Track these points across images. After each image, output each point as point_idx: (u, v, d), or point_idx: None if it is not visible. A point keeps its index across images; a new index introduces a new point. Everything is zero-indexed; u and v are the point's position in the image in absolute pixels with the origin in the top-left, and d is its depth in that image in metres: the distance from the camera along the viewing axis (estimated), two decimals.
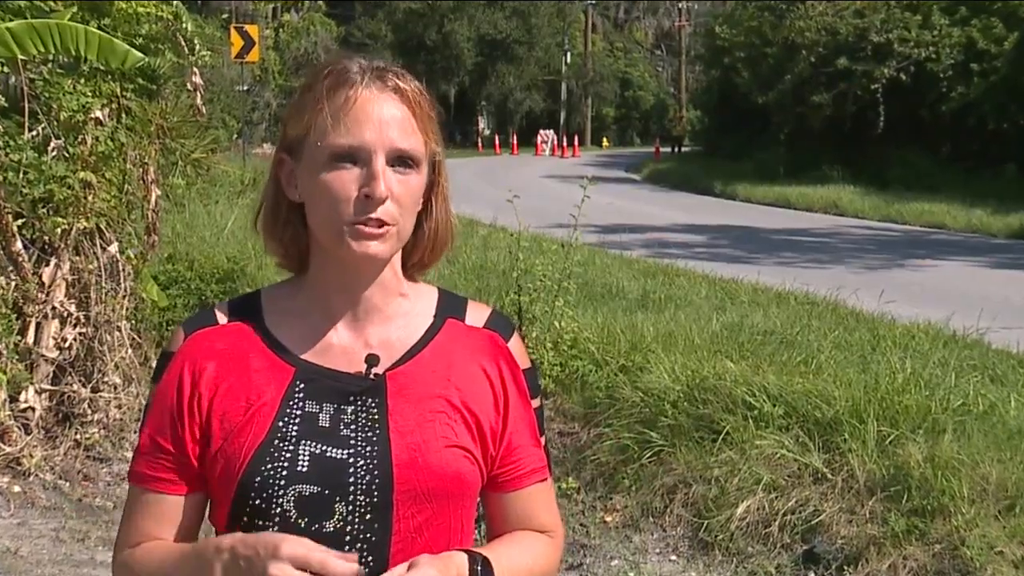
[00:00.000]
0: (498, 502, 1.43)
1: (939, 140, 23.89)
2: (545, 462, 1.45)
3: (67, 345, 5.39)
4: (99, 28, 5.38)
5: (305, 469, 1.29)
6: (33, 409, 5.22)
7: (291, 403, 1.33)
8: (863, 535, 4.19)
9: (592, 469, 5.13)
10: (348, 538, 1.29)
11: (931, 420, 4.61)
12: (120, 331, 5.60)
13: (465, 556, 1.30)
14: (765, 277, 9.17)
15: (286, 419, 1.32)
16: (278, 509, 1.28)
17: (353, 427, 1.32)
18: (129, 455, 5.48)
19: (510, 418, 1.40)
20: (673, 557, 4.51)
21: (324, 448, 1.30)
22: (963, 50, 22.95)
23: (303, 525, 1.28)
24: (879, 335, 6.49)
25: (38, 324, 5.33)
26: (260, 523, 1.29)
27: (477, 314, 1.45)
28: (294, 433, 1.31)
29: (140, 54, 5.40)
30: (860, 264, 12.51)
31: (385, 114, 1.30)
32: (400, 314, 1.40)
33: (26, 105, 5.31)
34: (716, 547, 4.43)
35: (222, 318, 1.40)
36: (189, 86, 6.33)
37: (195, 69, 6.23)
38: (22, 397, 5.20)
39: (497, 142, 43.47)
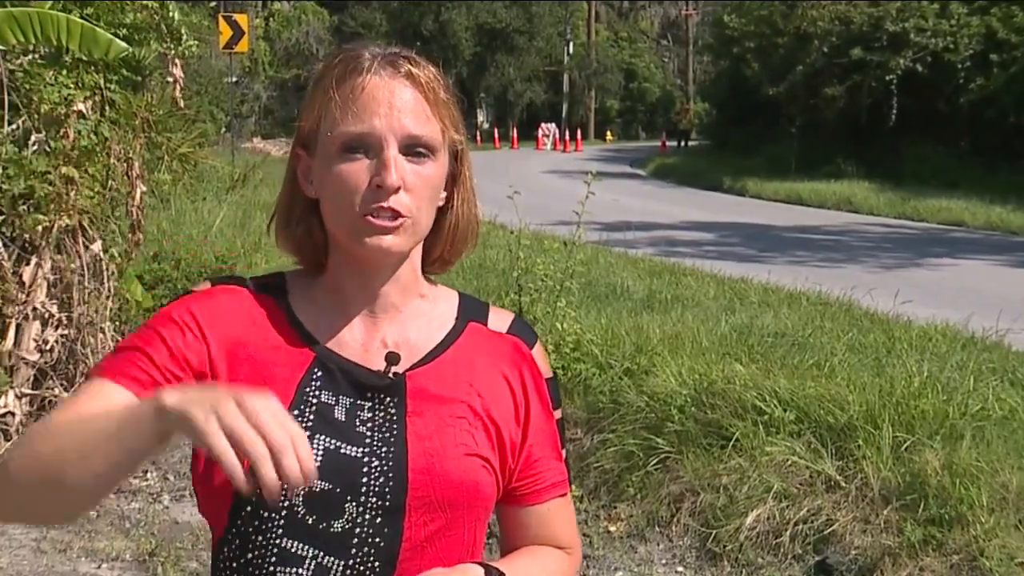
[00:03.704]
0: (515, 516, 1.42)
1: (957, 133, 23.88)
2: (565, 476, 1.44)
3: (48, 347, 5.39)
4: (81, 17, 5.39)
5: (318, 464, 1.27)
6: (13, 414, 5.23)
7: (307, 391, 1.32)
8: (878, 545, 4.19)
9: (596, 477, 5.13)
10: (356, 540, 1.28)
11: (948, 426, 4.61)
12: (103, 333, 5.60)
13: (480, 569, 1.30)
14: (776, 277, 9.17)
15: (302, 407, 1.31)
16: (286, 502, 1.27)
17: (370, 425, 1.32)
18: None
19: (531, 429, 1.39)
20: (680, 568, 4.51)
21: (339, 444, 1.30)
22: (982, 40, 22.93)
23: (311, 522, 1.28)
24: (895, 337, 6.50)
25: (18, 326, 5.33)
26: (265, 514, 1.28)
27: (499, 320, 1.44)
28: (309, 424, 1.30)
29: (124, 44, 5.40)
30: (875, 263, 12.51)
31: (396, 100, 1.29)
32: (419, 315, 1.39)
33: (5, 97, 5.32)
34: (725, 558, 4.43)
35: (250, 287, 1.39)
36: (170, 78, 6.35)
37: (176, 60, 6.24)
38: (1, 402, 5.21)
39: (496, 136, 43.43)
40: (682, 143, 40.44)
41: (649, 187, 25.01)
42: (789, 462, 4.62)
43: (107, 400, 1.25)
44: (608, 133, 51.74)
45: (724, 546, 4.46)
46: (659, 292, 8.06)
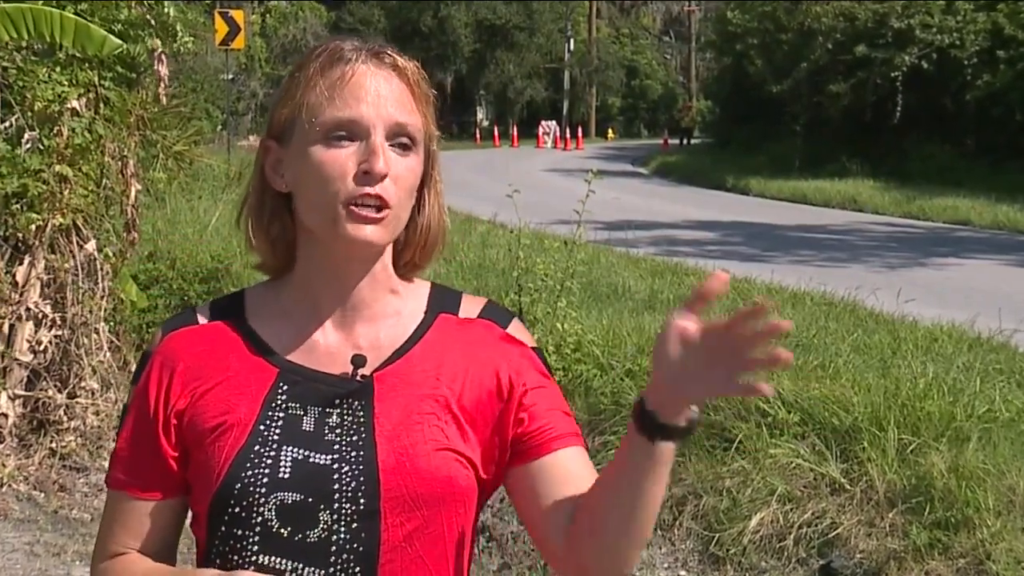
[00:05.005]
0: (529, 474, 1.36)
1: (963, 131, 23.87)
2: (578, 429, 1.40)
3: (42, 348, 5.39)
4: (75, 13, 5.38)
5: (287, 476, 1.29)
6: (6, 416, 5.22)
7: (273, 406, 1.33)
8: (883, 549, 4.19)
9: None
10: (334, 548, 1.28)
11: (955, 428, 4.61)
12: (98, 333, 5.60)
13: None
14: (780, 276, 9.17)
15: (268, 423, 1.32)
16: (259, 518, 1.28)
17: (338, 431, 1.32)
18: (107, 464, 5.49)
19: (527, 391, 1.37)
20: (682, 572, 4.51)
21: (307, 453, 1.30)
22: (989, 36, 22.92)
23: (286, 535, 1.28)
24: (900, 338, 6.50)
25: (11, 326, 5.33)
26: (240, 532, 1.29)
27: (471, 306, 1.44)
28: (276, 437, 1.31)
29: (118, 40, 5.40)
30: (880, 263, 12.51)
31: (383, 89, 1.30)
32: (390, 312, 1.39)
33: None
34: (728, 562, 4.43)
35: (203, 318, 1.40)
36: (157, 75, 6.33)
37: (162, 57, 6.22)
38: None
39: (496, 134, 43.43)
40: (684, 141, 40.45)
41: (651, 186, 25.01)
42: (793, 464, 4.61)
43: (143, 521, 1.38)
44: (609, 131, 51.74)
45: (727, 550, 4.46)
46: (661, 292, 8.05)
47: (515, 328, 1.44)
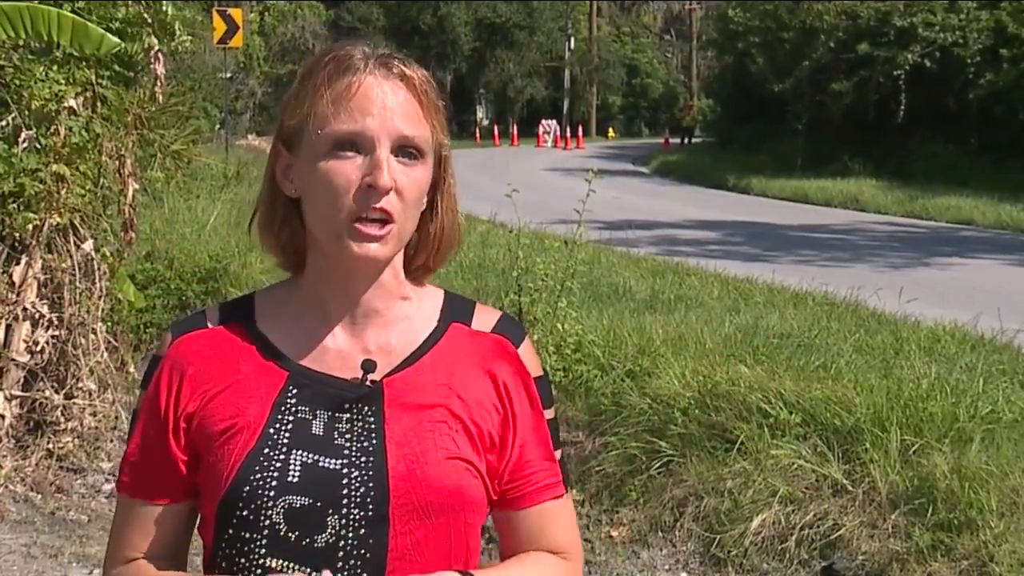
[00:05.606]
0: (508, 520, 1.41)
1: (966, 130, 23.88)
2: (560, 478, 1.43)
3: (39, 348, 5.39)
4: (72, 11, 5.38)
5: (296, 480, 1.29)
6: (2, 417, 5.22)
7: (283, 409, 1.33)
8: (885, 551, 4.19)
9: (597, 481, 5.13)
10: (341, 554, 1.28)
11: (958, 429, 4.61)
12: (95, 334, 5.59)
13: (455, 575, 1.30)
14: (781, 276, 9.17)
15: (277, 426, 1.32)
16: (267, 522, 1.28)
17: (348, 436, 1.32)
18: (104, 465, 5.49)
19: (519, 430, 1.38)
20: (684, 574, 4.51)
21: (317, 458, 1.30)
22: (992, 34, 22.93)
23: (293, 539, 1.28)
24: (902, 338, 6.50)
25: (8, 326, 5.33)
26: (247, 535, 1.29)
27: (485, 318, 1.44)
28: (285, 441, 1.31)
29: (116, 39, 5.40)
30: (883, 262, 12.51)
31: (390, 100, 1.30)
32: (401, 318, 1.39)
33: None
34: (729, 563, 4.43)
35: (212, 321, 1.41)
36: (154, 74, 6.32)
37: (159, 56, 6.21)
38: None
39: (496, 133, 43.44)
40: (685, 140, 40.45)
41: (652, 185, 25.02)
42: (795, 466, 4.61)
43: (153, 525, 1.38)
44: (610, 130, 51.72)
45: (729, 551, 4.46)
46: (662, 292, 8.05)
47: (525, 350, 1.43)
